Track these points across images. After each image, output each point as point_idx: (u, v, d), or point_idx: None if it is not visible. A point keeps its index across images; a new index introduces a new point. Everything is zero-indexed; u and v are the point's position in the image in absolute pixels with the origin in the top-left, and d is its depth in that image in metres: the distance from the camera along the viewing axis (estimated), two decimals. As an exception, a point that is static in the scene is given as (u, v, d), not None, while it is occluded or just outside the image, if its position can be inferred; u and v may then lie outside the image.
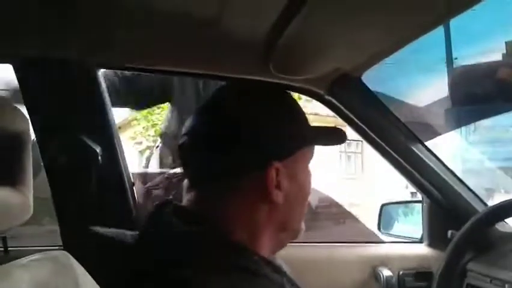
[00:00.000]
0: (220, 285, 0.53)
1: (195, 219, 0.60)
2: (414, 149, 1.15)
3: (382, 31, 0.84)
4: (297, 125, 0.67)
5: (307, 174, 0.69)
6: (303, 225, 0.70)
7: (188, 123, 0.67)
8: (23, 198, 0.64)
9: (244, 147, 0.62)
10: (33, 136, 0.94)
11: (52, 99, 1.00)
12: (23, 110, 0.80)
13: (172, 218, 0.61)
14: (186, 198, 0.65)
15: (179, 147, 0.66)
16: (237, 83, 0.88)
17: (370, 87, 1.09)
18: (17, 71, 0.98)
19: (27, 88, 0.99)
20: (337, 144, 0.73)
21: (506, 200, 0.99)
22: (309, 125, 0.70)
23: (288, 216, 0.66)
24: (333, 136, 0.74)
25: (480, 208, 1.18)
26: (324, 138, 0.73)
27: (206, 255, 0.56)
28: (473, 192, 1.23)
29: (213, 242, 0.58)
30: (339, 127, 0.76)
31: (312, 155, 0.70)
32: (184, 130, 0.67)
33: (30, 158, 0.65)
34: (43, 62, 0.96)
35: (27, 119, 0.69)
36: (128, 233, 0.75)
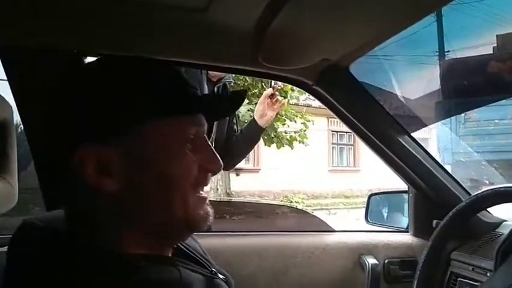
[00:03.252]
0: None
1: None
2: (400, 139, 1.17)
3: (369, 22, 0.84)
4: (132, 96, 0.54)
5: (170, 154, 0.55)
6: (201, 212, 0.58)
7: None
8: (8, 186, 0.63)
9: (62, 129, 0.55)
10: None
11: (41, 90, 0.98)
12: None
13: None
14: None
15: None
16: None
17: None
18: (4, 60, 0.97)
19: (14, 78, 0.97)
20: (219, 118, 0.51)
21: (488, 189, 1.01)
22: (165, 95, 0.56)
23: (147, 206, 0.55)
24: (216, 105, 0.60)
25: (464, 198, 1.20)
26: (192, 106, 0.58)
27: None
28: (458, 183, 1.25)
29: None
30: (237, 90, 0.63)
31: (184, 130, 0.56)
32: None
33: (15, 146, 0.64)
34: (31, 51, 0.95)
35: (10, 106, 0.67)
36: None
